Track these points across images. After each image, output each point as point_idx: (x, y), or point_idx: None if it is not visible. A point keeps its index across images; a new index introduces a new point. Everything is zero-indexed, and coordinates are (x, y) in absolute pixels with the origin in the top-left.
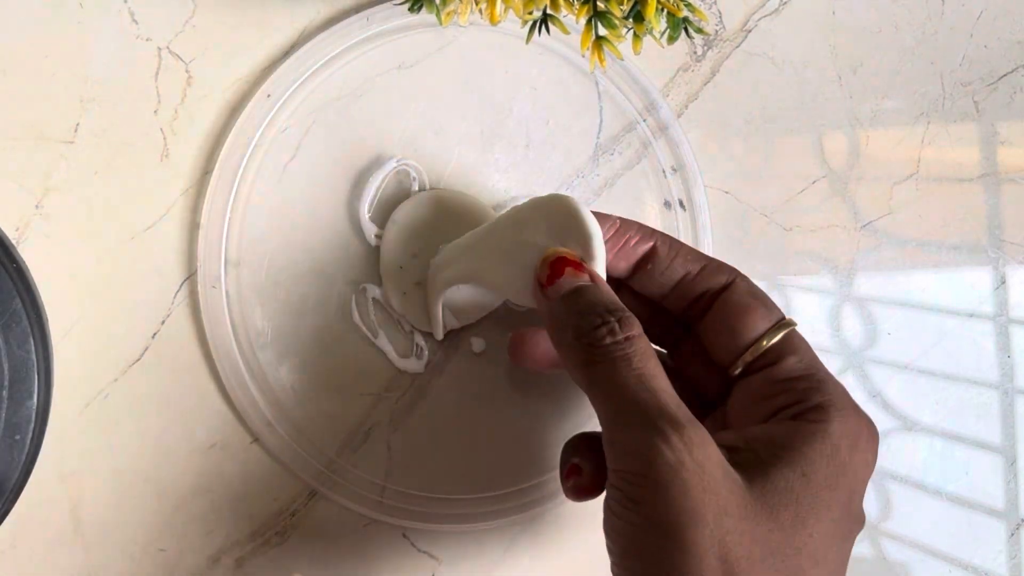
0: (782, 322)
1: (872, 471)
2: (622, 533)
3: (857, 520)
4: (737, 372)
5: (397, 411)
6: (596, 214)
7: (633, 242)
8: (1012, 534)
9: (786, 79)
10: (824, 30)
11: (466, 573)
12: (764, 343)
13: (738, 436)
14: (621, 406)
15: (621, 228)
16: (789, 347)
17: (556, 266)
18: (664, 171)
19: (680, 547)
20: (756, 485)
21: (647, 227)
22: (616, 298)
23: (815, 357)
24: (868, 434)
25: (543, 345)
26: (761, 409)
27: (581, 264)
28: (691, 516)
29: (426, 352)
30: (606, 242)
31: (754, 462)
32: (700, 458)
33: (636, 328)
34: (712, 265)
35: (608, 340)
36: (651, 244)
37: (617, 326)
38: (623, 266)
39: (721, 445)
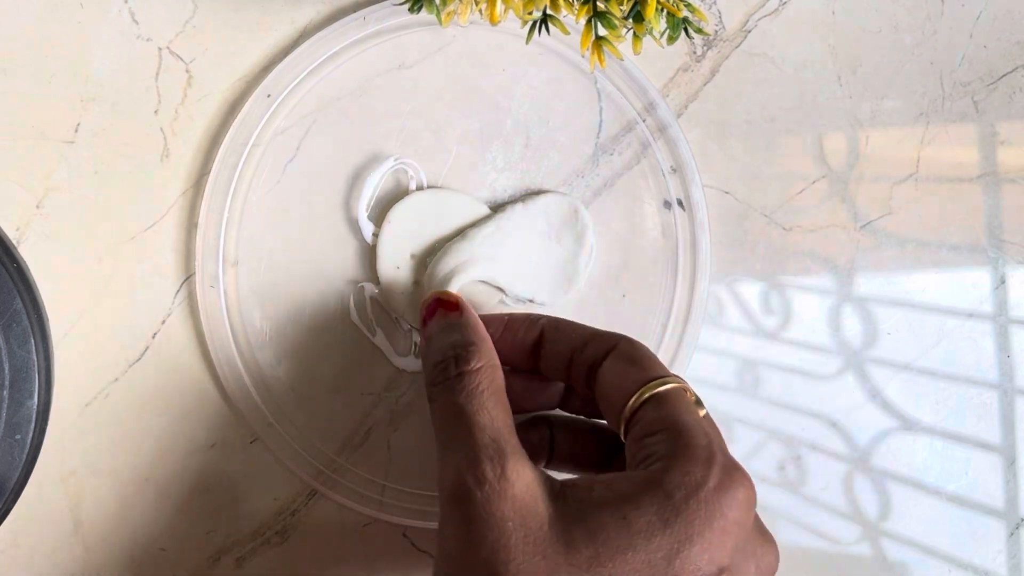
0: (651, 383)
1: (728, 523)
2: (440, 570)
3: (696, 573)
4: (624, 439)
5: (397, 411)
6: (484, 317)
7: (521, 333)
8: (1012, 534)
9: (786, 79)
10: (824, 30)
11: None
12: (630, 405)
13: (588, 479)
14: (445, 443)
15: (509, 323)
16: (653, 404)
17: (430, 307)
18: (663, 171)
19: None
20: (566, 520)
21: (535, 315)
22: (474, 334)
23: (681, 410)
24: (718, 485)
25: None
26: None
27: (455, 304)
28: (496, 548)
29: None
30: (496, 340)
31: (584, 501)
32: (510, 487)
33: (475, 362)
34: (596, 338)
35: (442, 377)
36: (538, 331)
37: (454, 363)
38: (518, 358)
39: (574, 485)
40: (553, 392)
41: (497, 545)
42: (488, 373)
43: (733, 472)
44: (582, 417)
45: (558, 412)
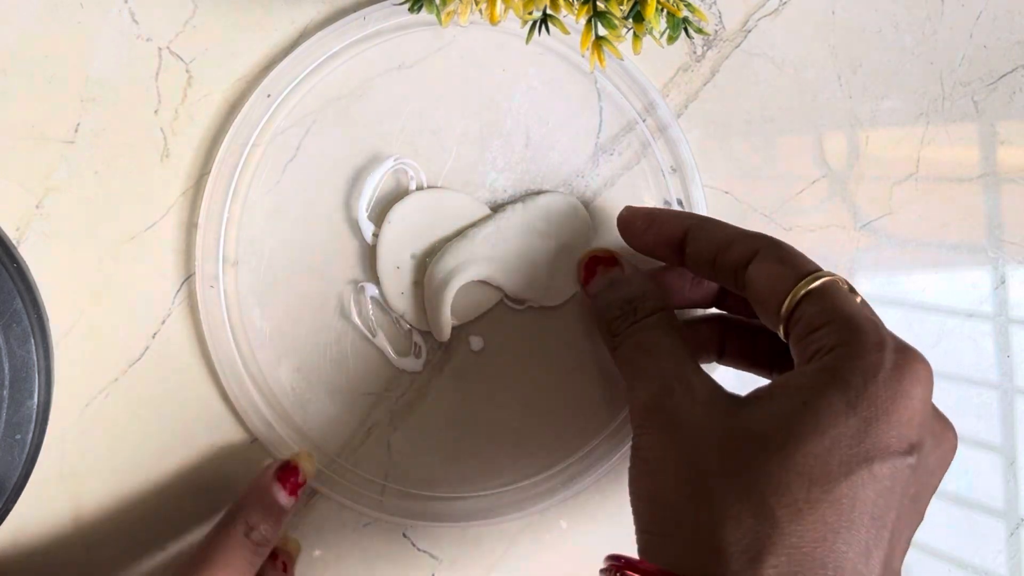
0: (805, 279)
1: (913, 401)
2: (641, 485)
3: (887, 450)
4: (784, 338)
5: (397, 411)
6: (630, 208)
7: (666, 229)
8: (1012, 534)
9: (786, 79)
10: (824, 30)
11: (466, 573)
12: (787, 305)
13: (767, 387)
14: (634, 374)
15: (655, 219)
16: (811, 300)
17: (589, 266)
18: (663, 171)
19: (683, 486)
20: (754, 416)
21: (684, 213)
22: (641, 285)
23: (841, 301)
24: (895, 365)
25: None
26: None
27: (612, 259)
28: (695, 448)
29: (424, 351)
30: (641, 235)
31: (766, 399)
32: (697, 395)
33: (652, 310)
34: (740, 238)
35: (624, 325)
36: (683, 230)
37: (632, 313)
38: (663, 252)
39: (753, 393)
40: (707, 290)
41: (695, 442)
42: (665, 317)
43: (907, 352)
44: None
45: (730, 308)
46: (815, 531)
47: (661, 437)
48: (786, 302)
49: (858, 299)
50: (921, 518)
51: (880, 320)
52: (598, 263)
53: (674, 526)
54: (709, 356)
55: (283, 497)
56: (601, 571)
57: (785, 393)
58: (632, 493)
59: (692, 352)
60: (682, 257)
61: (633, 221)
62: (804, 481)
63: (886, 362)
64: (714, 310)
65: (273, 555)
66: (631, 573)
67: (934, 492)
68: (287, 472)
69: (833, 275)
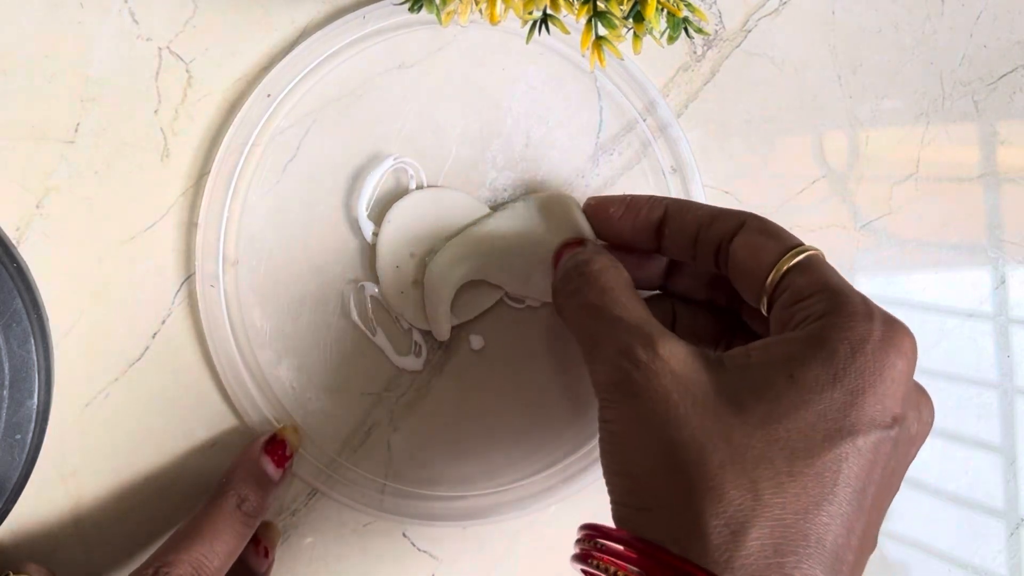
0: (792, 251)
1: (898, 373)
2: (613, 460)
3: (871, 423)
4: (766, 310)
5: (397, 410)
6: (605, 197)
7: (644, 212)
8: (1012, 533)
9: (786, 79)
10: (824, 30)
11: (466, 572)
12: (772, 276)
13: (742, 348)
14: (591, 340)
15: (631, 203)
16: (798, 271)
17: (559, 253)
18: (664, 171)
19: (663, 450)
20: (731, 385)
21: (658, 197)
22: (593, 249)
23: (829, 274)
24: (883, 337)
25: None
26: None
27: (578, 240)
28: (666, 418)
29: (424, 350)
30: (617, 221)
31: (745, 366)
32: (666, 363)
33: (596, 265)
34: (723, 214)
35: (569, 287)
36: (662, 210)
37: (575, 272)
38: (641, 237)
39: (729, 354)
40: (655, 268)
41: (667, 417)
42: (612, 272)
43: (894, 324)
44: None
45: (675, 289)
46: (798, 503)
47: (629, 410)
48: (772, 273)
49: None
50: (897, 490)
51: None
52: (565, 247)
53: (651, 499)
54: None
55: (271, 469)
56: (576, 542)
57: (768, 362)
58: (604, 467)
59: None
60: (658, 241)
61: (606, 208)
62: (787, 454)
63: (874, 333)
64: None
65: (255, 540)
66: (606, 542)
67: (910, 464)
68: (275, 445)
69: (817, 250)
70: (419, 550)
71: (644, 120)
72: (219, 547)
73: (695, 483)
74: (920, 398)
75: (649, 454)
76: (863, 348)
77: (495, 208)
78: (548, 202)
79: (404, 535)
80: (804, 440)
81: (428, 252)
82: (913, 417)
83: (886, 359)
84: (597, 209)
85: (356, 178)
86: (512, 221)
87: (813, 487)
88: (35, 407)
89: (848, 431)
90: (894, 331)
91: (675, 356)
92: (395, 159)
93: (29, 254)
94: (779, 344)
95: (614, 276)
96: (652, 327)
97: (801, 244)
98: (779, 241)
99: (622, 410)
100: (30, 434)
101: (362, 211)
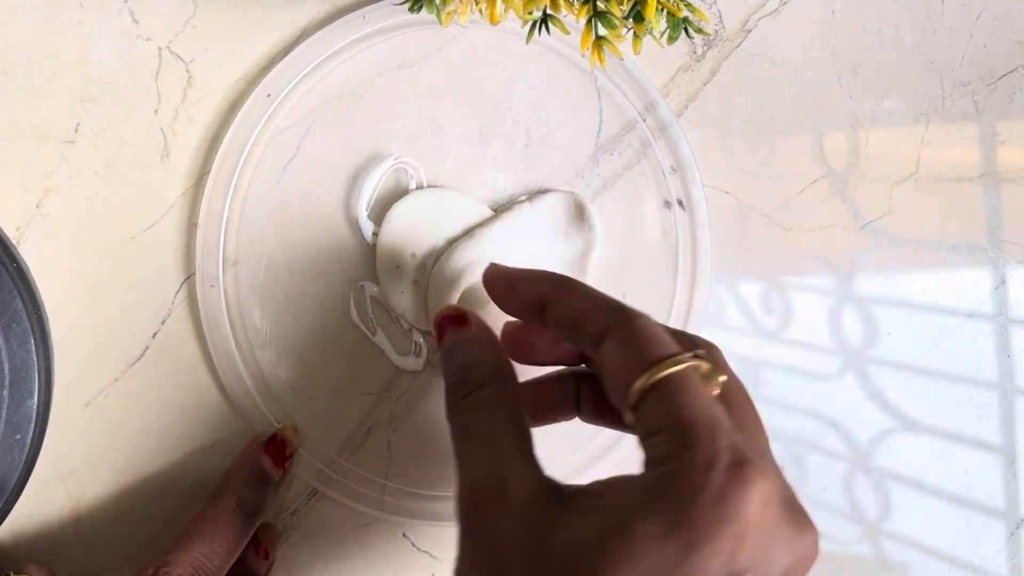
0: (651, 369)
1: (741, 524)
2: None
3: None
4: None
5: (397, 411)
6: (491, 270)
7: (523, 293)
8: (1012, 534)
9: (786, 79)
10: (824, 30)
11: None
12: (630, 401)
13: (600, 484)
14: (459, 463)
15: (511, 282)
16: (656, 396)
17: (440, 326)
18: (664, 171)
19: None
20: (571, 530)
21: (541, 273)
22: (479, 350)
23: (685, 403)
24: (724, 486)
25: (545, 338)
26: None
27: (460, 317)
28: (492, 568)
29: (425, 350)
30: (500, 299)
31: (591, 509)
32: (512, 502)
33: (482, 380)
34: (592, 314)
35: (455, 399)
36: (539, 293)
37: (463, 384)
38: (525, 315)
39: (585, 492)
40: (571, 349)
41: (500, 559)
42: (496, 390)
43: (744, 468)
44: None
45: (584, 368)
46: None
47: (470, 545)
48: (631, 397)
49: (715, 390)
50: None
51: (730, 419)
52: (448, 322)
53: None
54: (567, 414)
55: (271, 469)
56: None
57: (611, 507)
58: None
59: (524, 434)
60: (543, 318)
61: (493, 285)
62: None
63: (712, 483)
64: (570, 368)
65: (255, 541)
66: None
67: None
68: (274, 445)
69: (687, 360)
70: (419, 550)
71: (644, 120)
72: (219, 547)
73: None
74: (790, 537)
75: None
76: (698, 502)
77: (498, 209)
78: (555, 201)
79: (404, 535)
80: None
81: (428, 252)
82: (772, 561)
83: (726, 511)
84: (488, 283)
85: (356, 178)
86: (519, 222)
87: None
88: (35, 407)
89: None
90: (741, 478)
91: (520, 499)
92: (395, 159)
93: (29, 254)
94: (626, 490)
95: (495, 397)
96: (510, 457)
97: (669, 356)
98: (640, 356)
99: (466, 545)
100: (30, 434)
101: (362, 211)
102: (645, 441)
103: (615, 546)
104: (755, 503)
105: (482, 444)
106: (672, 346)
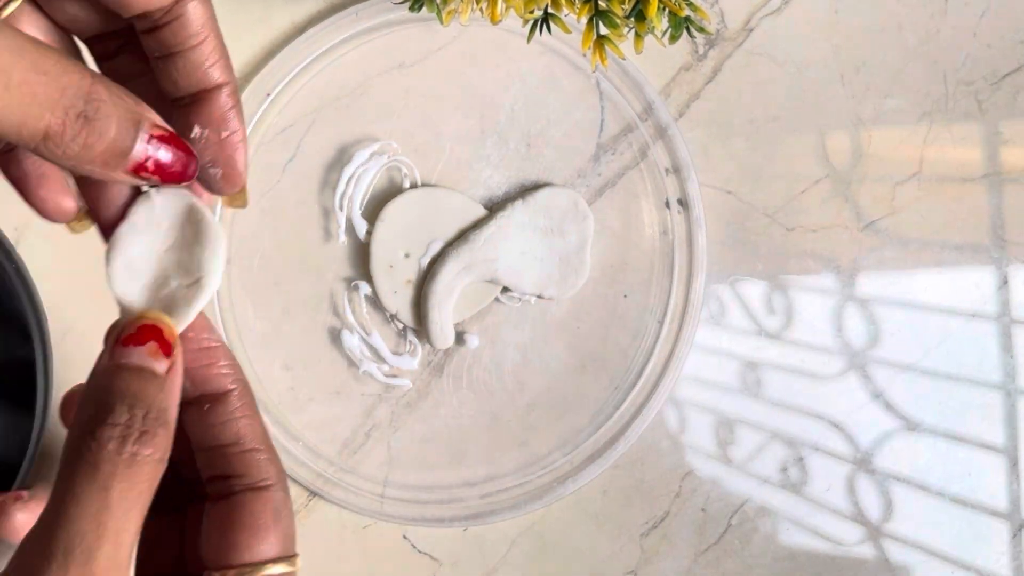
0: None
1: None
2: None
3: None
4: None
5: (397, 411)
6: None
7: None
8: (1015, 535)
9: (788, 78)
10: (826, 29)
11: (466, 573)
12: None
13: None
14: (66, 507)
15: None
16: None
17: (142, 331)
18: (663, 171)
19: None
20: None
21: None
22: (171, 410)
23: None
24: None
25: None
26: None
27: (169, 346)
28: None
29: (420, 349)
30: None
31: None
32: None
33: (153, 452)
34: (225, 458)
35: (113, 443)
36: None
37: (136, 438)
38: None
39: None
40: None
41: None
42: (158, 471)
43: None
44: None
45: None
46: None
47: None
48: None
49: None
50: None
51: None
52: (154, 337)
53: None
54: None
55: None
56: None
57: None
58: None
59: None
60: None
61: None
62: None
63: None
64: None
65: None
66: None
67: None
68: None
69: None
70: (419, 551)
71: (644, 121)
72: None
73: None
74: None
75: None
76: None
77: (494, 208)
78: (547, 198)
79: (404, 537)
80: None
81: (422, 252)
82: None
83: None
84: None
85: (350, 177)
86: (513, 221)
87: None
88: (35, 407)
89: None
90: None
91: None
92: (389, 157)
93: (28, 254)
94: None
95: (150, 478)
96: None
97: (266, 560)
98: (236, 546)
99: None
100: (30, 434)
101: (355, 209)
102: None
103: None
104: None
105: (119, 535)
106: (281, 543)
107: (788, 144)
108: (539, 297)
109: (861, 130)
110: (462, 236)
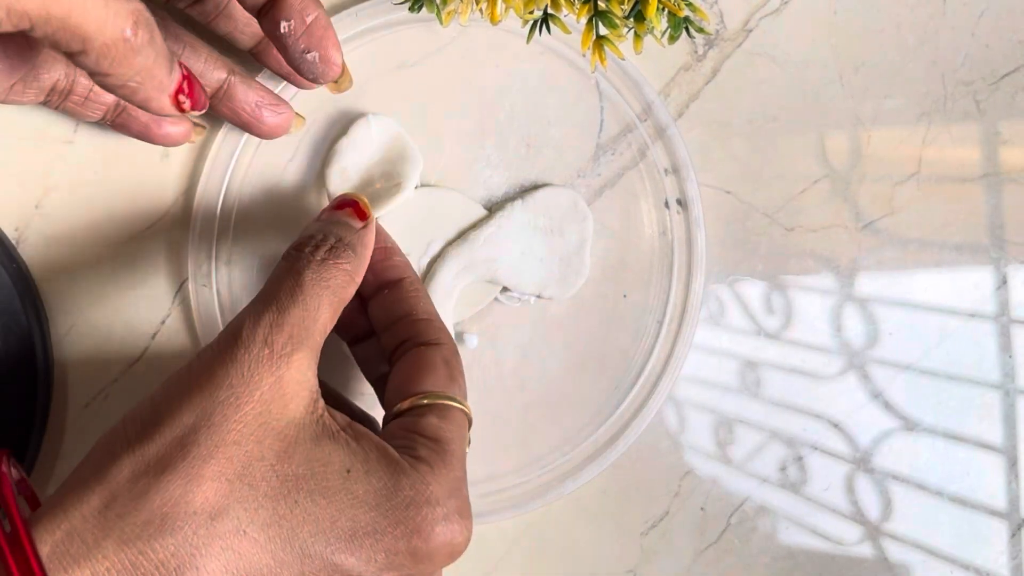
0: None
1: (413, 555)
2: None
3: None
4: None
5: None
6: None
7: (380, 273)
8: (1014, 535)
9: (787, 78)
10: (825, 29)
11: (466, 573)
12: (410, 402)
13: (357, 426)
14: (270, 291)
15: (392, 249)
16: (439, 411)
17: (342, 202)
18: (663, 171)
19: None
20: (305, 436)
21: (403, 266)
22: (361, 246)
23: (461, 438)
24: (444, 519)
25: None
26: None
27: (364, 214)
28: (226, 407)
29: None
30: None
31: (334, 436)
32: (285, 368)
33: (344, 263)
34: (404, 326)
35: (310, 249)
36: (391, 279)
37: (328, 248)
38: (365, 287)
39: (346, 421)
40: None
41: (231, 406)
42: (345, 280)
43: (462, 516)
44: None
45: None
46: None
47: (215, 373)
48: (409, 400)
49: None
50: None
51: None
52: (353, 207)
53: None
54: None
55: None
56: None
57: (351, 450)
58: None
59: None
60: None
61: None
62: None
63: (440, 509)
64: None
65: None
66: None
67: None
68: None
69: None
70: None
71: (643, 121)
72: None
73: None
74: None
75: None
76: (419, 511)
77: (493, 208)
78: (546, 197)
79: None
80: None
81: (422, 252)
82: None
83: (419, 532)
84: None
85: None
86: (512, 220)
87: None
88: (35, 407)
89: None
90: (455, 521)
91: (298, 372)
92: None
93: (29, 254)
94: (374, 448)
95: (342, 283)
96: (313, 339)
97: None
98: (423, 382)
99: (213, 361)
100: (30, 434)
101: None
102: (408, 432)
103: (328, 479)
104: (447, 554)
105: (303, 305)
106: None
107: (787, 144)
108: (539, 297)
109: (860, 130)
110: (461, 236)
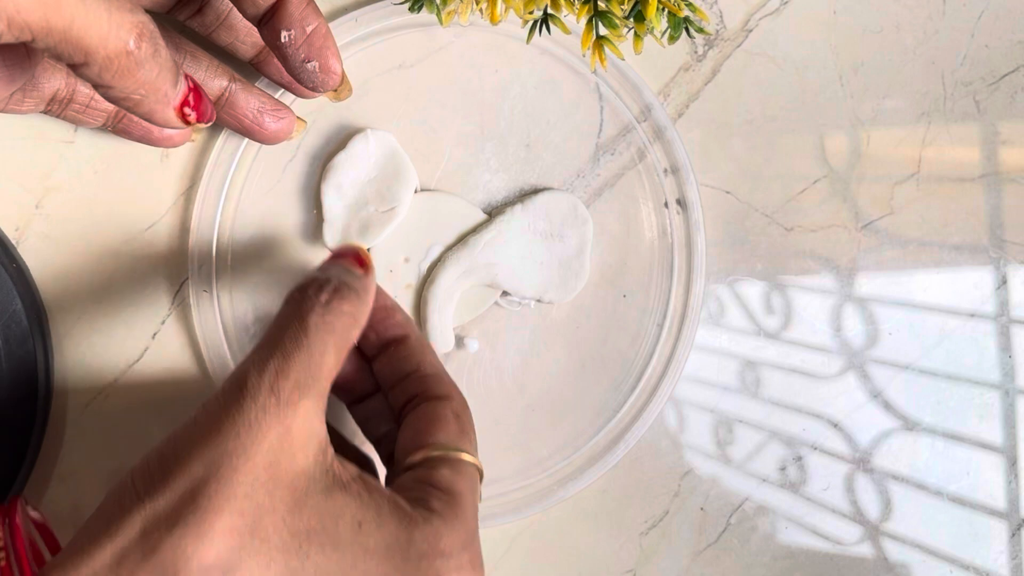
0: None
1: None
2: None
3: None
4: (411, 461)
5: None
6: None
7: (379, 326)
8: (1013, 534)
9: (787, 79)
10: (825, 29)
11: None
12: (422, 454)
13: (367, 477)
14: (274, 337)
15: (381, 303)
16: (450, 464)
17: (342, 252)
18: (662, 172)
19: None
20: (315, 487)
21: (401, 319)
22: (363, 292)
23: (473, 493)
24: (456, 570)
25: None
26: (402, 462)
27: (364, 262)
28: (235, 459)
29: None
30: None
31: (344, 487)
32: (292, 418)
33: (348, 306)
34: (419, 389)
35: (313, 291)
36: (394, 336)
37: (332, 291)
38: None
39: (356, 473)
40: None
41: (239, 457)
42: (349, 323)
43: (475, 568)
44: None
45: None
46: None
47: (223, 424)
48: (421, 452)
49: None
50: None
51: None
52: (352, 256)
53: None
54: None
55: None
56: None
57: (360, 502)
58: None
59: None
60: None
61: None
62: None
63: (454, 560)
64: None
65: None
66: None
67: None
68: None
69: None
70: None
71: (643, 122)
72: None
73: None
74: None
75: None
76: (433, 562)
77: (493, 212)
78: (546, 202)
79: None
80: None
81: (422, 256)
82: None
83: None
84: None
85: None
86: (512, 225)
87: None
88: (35, 407)
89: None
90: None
91: (305, 421)
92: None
93: (29, 254)
94: (381, 499)
95: (346, 326)
96: (319, 385)
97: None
98: (435, 434)
99: (219, 412)
100: (30, 435)
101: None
102: (421, 484)
103: (340, 531)
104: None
105: (307, 350)
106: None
107: (787, 144)
108: (539, 301)
109: (859, 130)
110: (462, 240)
